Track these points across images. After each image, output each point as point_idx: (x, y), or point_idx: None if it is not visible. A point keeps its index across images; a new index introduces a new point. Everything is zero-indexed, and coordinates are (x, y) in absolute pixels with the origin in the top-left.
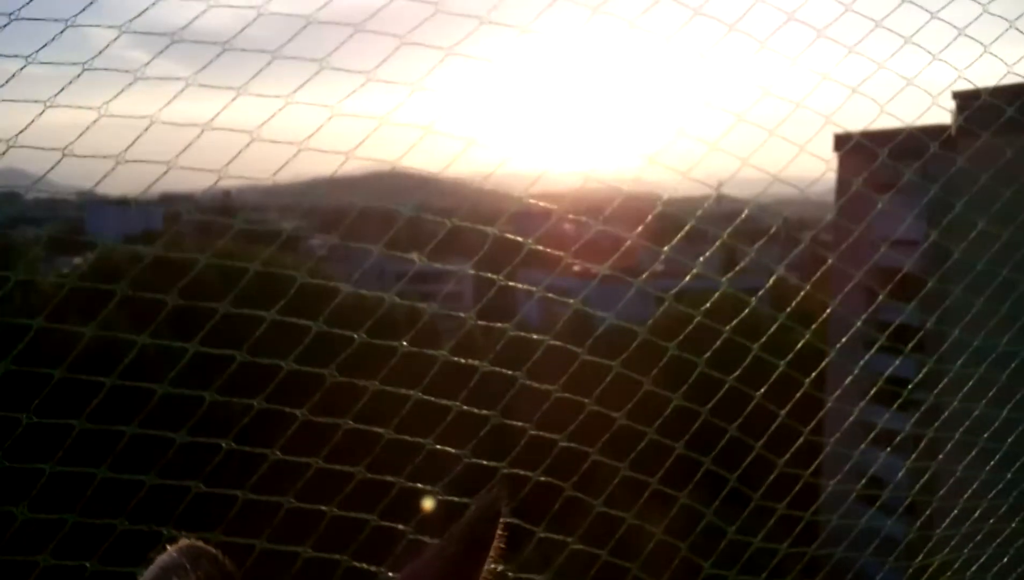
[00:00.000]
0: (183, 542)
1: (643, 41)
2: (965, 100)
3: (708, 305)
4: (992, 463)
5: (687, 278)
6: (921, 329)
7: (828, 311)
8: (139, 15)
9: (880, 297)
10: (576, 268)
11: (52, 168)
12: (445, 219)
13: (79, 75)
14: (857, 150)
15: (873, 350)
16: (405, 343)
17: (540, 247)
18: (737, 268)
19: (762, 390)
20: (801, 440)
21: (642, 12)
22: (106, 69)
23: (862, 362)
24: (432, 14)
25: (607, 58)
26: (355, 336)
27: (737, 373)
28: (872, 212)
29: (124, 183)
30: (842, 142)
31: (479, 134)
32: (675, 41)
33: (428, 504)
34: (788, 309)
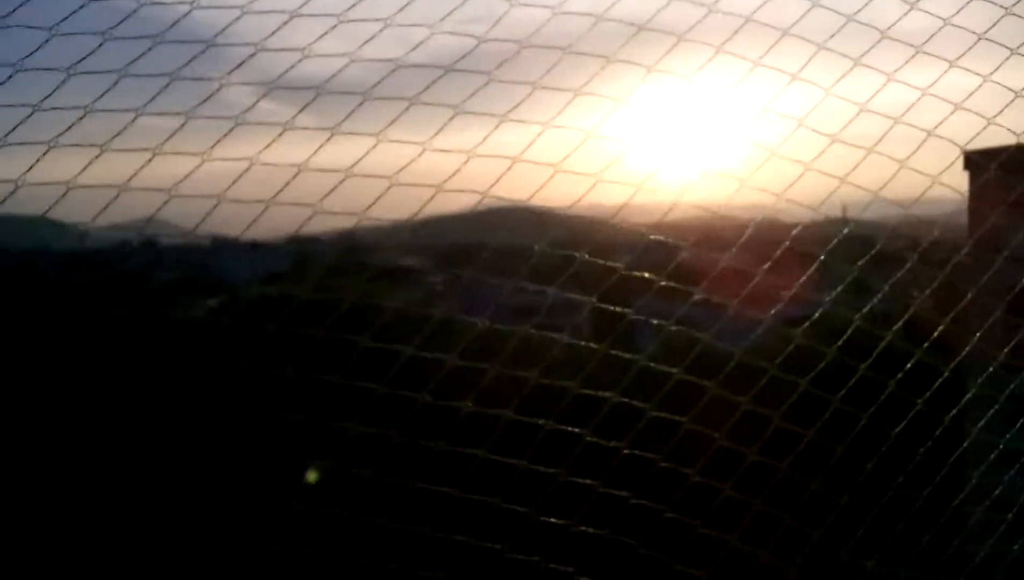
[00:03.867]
0: None
1: (766, 78)
2: None
3: (842, 339)
4: None
5: (818, 307)
6: None
7: (966, 344)
8: (282, 74)
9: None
10: (707, 299)
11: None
12: (569, 252)
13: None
14: (988, 168)
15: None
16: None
17: (665, 282)
18: (876, 297)
19: (899, 427)
20: (944, 471)
21: (766, 51)
22: (217, 117)
23: (1008, 391)
24: (560, 57)
25: (732, 94)
26: (488, 367)
27: (872, 410)
28: (1008, 230)
29: (253, 227)
30: (974, 161)
31: (607, 169)
32: (801, 78)
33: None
34: (926, 343)
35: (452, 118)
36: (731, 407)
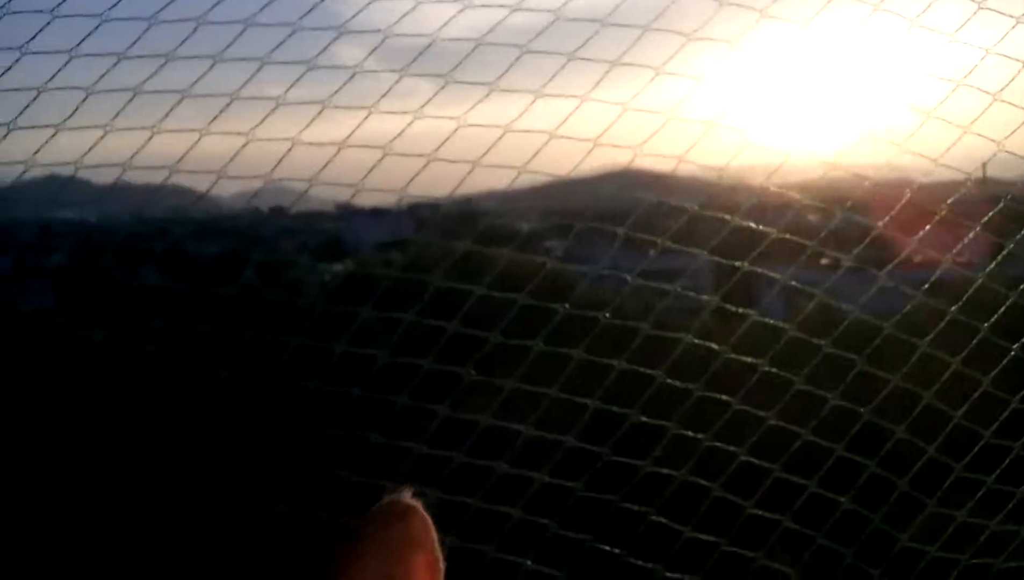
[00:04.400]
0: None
1: (889, 22)
2: None
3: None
4: None
5: (942, 268)
6: None
7: None
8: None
9: None
10: (823, 261)
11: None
12: (686, 205)
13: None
14: None
15: None
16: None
17: (786, 234)
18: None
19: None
20: None
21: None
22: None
23: None
24: (717, 10)
25: (852, 40)
26: (601, 316)
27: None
28: None
29: (376, 195)
30: None
31: (718, 123)
32: (923, 21)
33: None
34: None
35: (608, 72)
36: (875, 383)
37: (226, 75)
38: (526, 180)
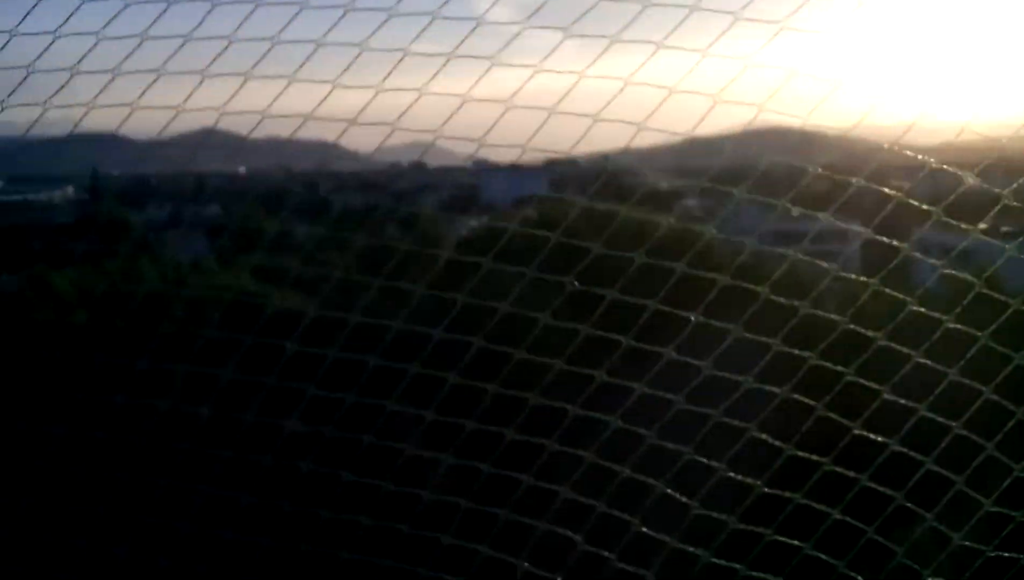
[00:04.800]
0: None
1: None
2: None
3: None
4: None
5: None
6: None
7: None
8: None
9: None
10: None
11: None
12: (833, 166)
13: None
14: None
15: None
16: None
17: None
18: None
19: None
20: None
21: None
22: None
23: None
24: None
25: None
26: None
27: None
28: None
29: (512, 150)
30: None
31: (846, 81)
32: None
33: None
34: None
35: (731, 26)
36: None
37: (361, 26)
38: (662, 137)
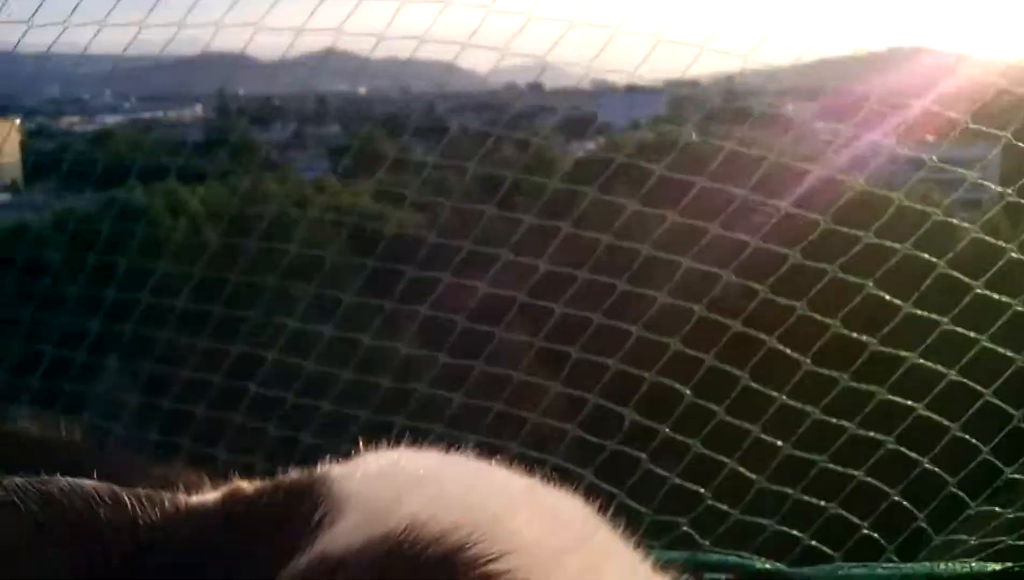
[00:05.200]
0: None
1: None
2: None
3: None
4: None
5: None
6: None
7: None
8: None
9: None
10: None
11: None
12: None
13: None
14: None
15: None
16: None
17: None
18: None
19: None
20: None
21: None
22: None
23: None
24: None
25: None
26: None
27: None
28: None
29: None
30: None
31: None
32: None
33: None
34: None
35: None
36: None
37: None
38: (790, 56)
